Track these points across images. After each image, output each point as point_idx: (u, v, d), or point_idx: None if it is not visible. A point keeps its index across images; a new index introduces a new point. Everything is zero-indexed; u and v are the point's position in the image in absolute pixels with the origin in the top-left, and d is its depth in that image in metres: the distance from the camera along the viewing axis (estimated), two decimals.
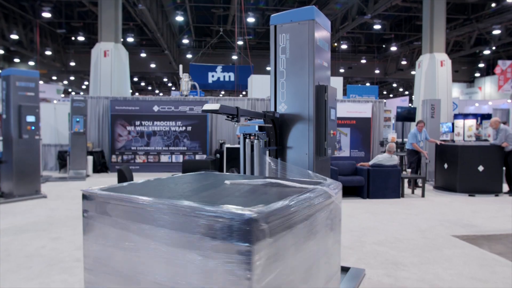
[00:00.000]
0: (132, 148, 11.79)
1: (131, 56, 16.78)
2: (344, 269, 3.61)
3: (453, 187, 8.40)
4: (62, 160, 11.61)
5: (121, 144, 11.77)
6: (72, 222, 5.61)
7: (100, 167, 11.57)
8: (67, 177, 10.29)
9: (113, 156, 11.76)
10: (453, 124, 15.76)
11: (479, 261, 4.11)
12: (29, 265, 3.85)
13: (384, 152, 8.70)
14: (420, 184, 8.69)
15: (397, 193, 7.87)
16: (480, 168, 8.17)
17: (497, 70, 21.37)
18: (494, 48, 24.29)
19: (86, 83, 33.28)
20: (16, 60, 25.99)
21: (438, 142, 9.14)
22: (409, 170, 9.57)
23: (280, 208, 1.74)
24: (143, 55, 27.07)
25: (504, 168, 8.37)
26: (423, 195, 8.09)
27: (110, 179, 10.15)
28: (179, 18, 20.62)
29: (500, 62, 21.51)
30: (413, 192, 8.55)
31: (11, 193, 7.31)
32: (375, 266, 3.93)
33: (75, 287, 3.35)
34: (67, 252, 4.27)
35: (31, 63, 24.95)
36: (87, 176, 10.69)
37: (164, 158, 11.90)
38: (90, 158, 11.14)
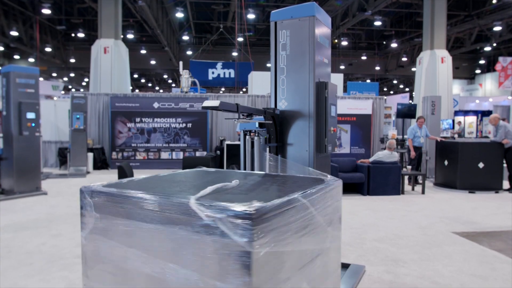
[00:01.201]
0: (133, 145, 11.79)
1: (131, 53, 16.77)
2: (345, 266, 3.62)
3: (453, 184, 8.40)
4: (63, 157, 11.62)
5: (122, 141, 11.77)
6: (73, 219, 5.61)
7: (101, 164, 11.58)
8: (68, 174, 10.30)
9: (114, 153, 11.76)
10: (453, 121, 15.77)
11: (479, 257, 4.12)
12: (29, 262, 3.86)
13: (385, 149, 8.70)
14: (420, 181, 8.69)
15: (397, 190, 7.88)
16: (481, 165, 8.16)
17: (498, 66, 21.32)
18: (494, 44, 24.24)
19: (86, 79, 33.26)
20: (16, 56, 25.97)
21: (439, 139, 9.14)
22: (409, 167, 9.57)
23: (110, 192, 1.95)
24: (143, 51, 27.03)
25: (505, 165, 8.37)
26: (423, 192, 8.10)
27: (110, 175, 10.16)
28: (179, 15, 20.57)
29: (500, 58, 21.45)
30: (413, 189, 8.55)
31: (11, 190, 7.32)
32: (375, 262, 3.94)
33: (75, 284, 3.36)
34: (68, 249, 4.28)
35: (31, 59, 24.93)
36: (88, 173, 10.70)
37: (164, 155, 11.91)
38: (90, 155, 11.15)
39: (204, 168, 3.16)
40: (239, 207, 1.57)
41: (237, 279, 1.56)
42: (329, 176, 2.60)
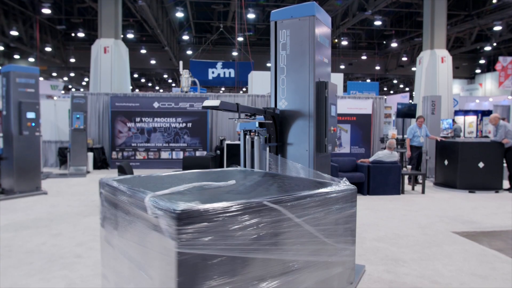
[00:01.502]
0: (133, 144, 11.79)
1: (131, 53, 16.76)
2: None
3: (453, 184, 8.40)
4: (63, 156, 11.62)
5: (122, 141, 11.76)
6: (73, 219, 5.62)
7: (101, 163, 11.57)
8: (68, 173, 10.30)
9: (114, 153, 11.76)
10: (453, 120, 15.75)
11: (479, 257, 4.12)
12: (30, 261, 3.87)
13: (385, 148, 8.69)
14: (420, 181, 8.69)
15: (397, 190, 7.88)
16: (481, 164, 8.17)
17: (498, 66, 21.31)
18: (495, 44, 24.22)
19: (86, 79, 33.25)
20: (16, 56, 25.96)
21: (439, 139, 9.14)
22: (409, 167, 9.56)
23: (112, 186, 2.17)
24: (143, 51, 27.02)
25: (505, 165, 8.36)
26: (423, 192, 8.10)
27: (110, 175, 10.14)
28: (179, 14, 20.56)
29: (501, 58, 21.44)
30: (413, 189, 8.55)
31: (11, 189, 7.32)
32: (375, 262, 3.94)
33: (75, 283, 3.36)
34: (68, 248, 4.28)
35: (31, 59, 24.92)
36: (88, 172, 10.70)
37: (164, 155, 11.90)
38: (90, 155, 11.15)
39: (240, 168, 3.20)
40: (173, 207, 1.56)
41: (168, 278, 1.58)
42: (342, 183, 2.40)
